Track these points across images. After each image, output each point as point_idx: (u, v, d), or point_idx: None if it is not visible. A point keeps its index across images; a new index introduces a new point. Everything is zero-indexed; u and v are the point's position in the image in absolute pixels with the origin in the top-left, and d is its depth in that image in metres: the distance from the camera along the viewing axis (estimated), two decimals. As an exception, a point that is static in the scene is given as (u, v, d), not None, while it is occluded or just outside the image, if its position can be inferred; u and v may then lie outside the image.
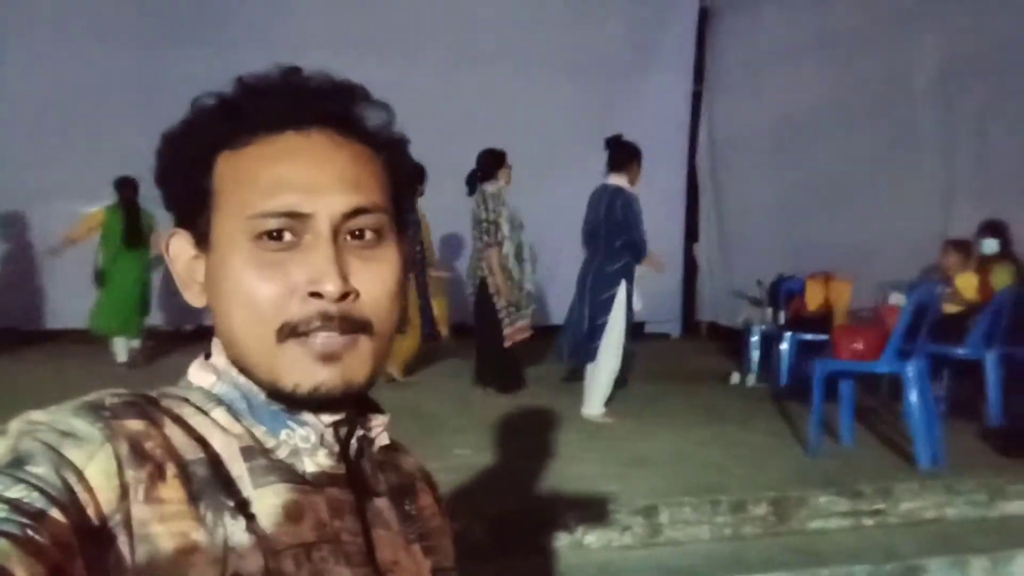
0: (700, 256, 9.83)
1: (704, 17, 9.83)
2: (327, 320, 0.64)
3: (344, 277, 0.64)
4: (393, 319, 0.69)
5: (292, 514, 0.64)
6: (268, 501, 0.64)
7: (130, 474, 0.58)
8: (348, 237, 0.67)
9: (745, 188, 9.32)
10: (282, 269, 0.64)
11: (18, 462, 0.55)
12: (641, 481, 3.69)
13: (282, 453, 0.68)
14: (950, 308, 5.16)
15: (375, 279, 0.67)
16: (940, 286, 4.74)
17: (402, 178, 0.74)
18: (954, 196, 6.95)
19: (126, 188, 6.40)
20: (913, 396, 4.01)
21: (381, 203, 0.69)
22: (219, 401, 0.68)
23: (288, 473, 0.67)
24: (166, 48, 7.62)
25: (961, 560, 3.31)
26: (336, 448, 0.71)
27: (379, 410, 0.76)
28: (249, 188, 0.66)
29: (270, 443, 0.68)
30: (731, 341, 8.33)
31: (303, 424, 0.69)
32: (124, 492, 0.57)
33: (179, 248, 0.72)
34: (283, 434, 0.68)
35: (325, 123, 0.68)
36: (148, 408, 0.64)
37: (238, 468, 0.65)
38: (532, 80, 8.42)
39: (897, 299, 5.81)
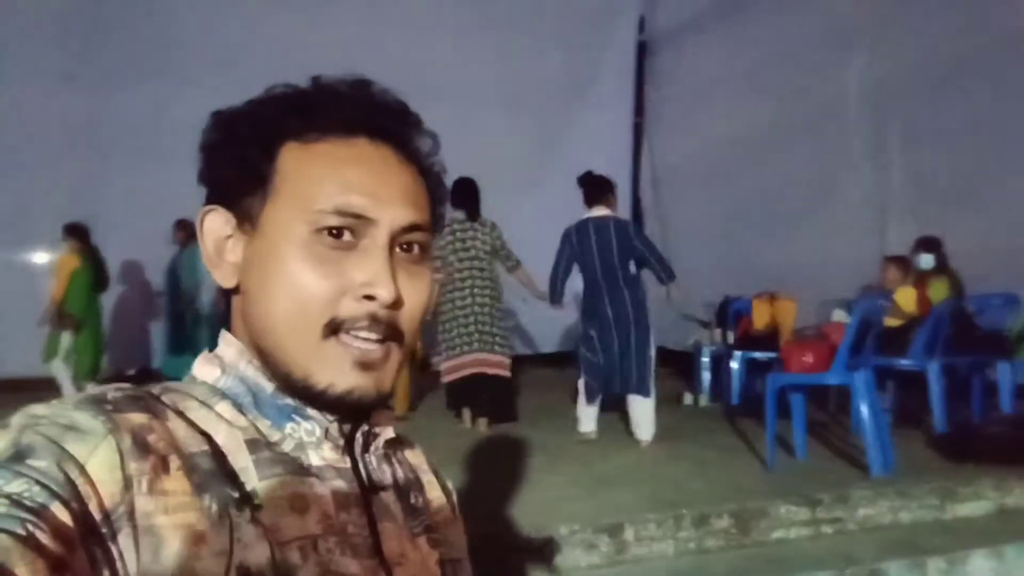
0: (646, 282, 9.96)
1: (642, 51, 10.09)
2: (375, 322, 0.66)
3: (396, 285, 0.67)
4: (417, 335, 0.71)
5: (298, 506, 0.64)
6: (274, 493, 0.64)
7: (133, 466, 0.57)
8: (399, 249, 0.69)
9: (687, 215, 9.53)
10: (338, 267, 0.66)
11: (19, 456, 0.54)
12: (606, 500, 3.71)
13: (287, 446, 0.68)
14: (891, 321, 5.32)
15: (416, 293, 0.69)
16: (882, 300, 4.88)
17: (438, 206, 0.77)
18: (888, 214, 7.21)
19: (85, 234, 6.58)
20: (863, 406, 4.12)
21: (429, 223, 0.72)
22: (223, 395, 0.68)
23: (293, 466, 0.67)
24: (104, 88, 7.55)
25: (919, 562, 3.39)
26: (341, 442, 0.71)
27: (385, 406, 0.77)
28: (317, 183, 0.67)
29: (275, 436, 0.68)
30: (680, 364, 8.44)
31: (308, 418, 0.69)
32: (127, 485, 0.57)
33: (214, 225, 0.72)
34: (288, 427, 0.69)
35: (389, 138, 0.71)
36: (151, 402, 0.64)
37: (243, 460, 0.65)
38: (474, 117, 8.49)
39: (840, 316, 5.98)
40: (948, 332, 5.11)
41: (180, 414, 0.65)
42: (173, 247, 7.21)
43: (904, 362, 5.04)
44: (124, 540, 0.55)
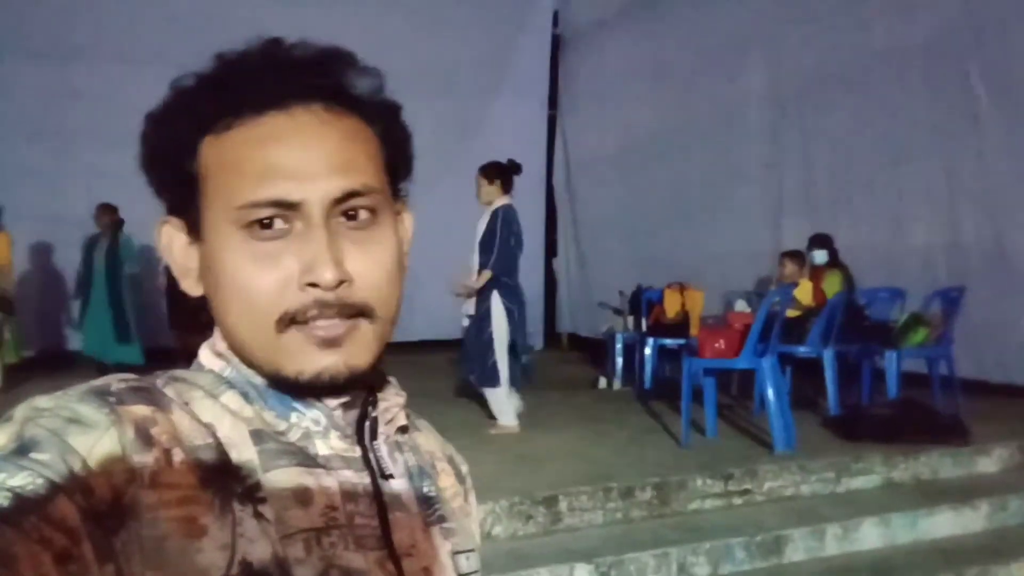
0: (559, 271, 10.31)
1: (556, 45, 10.37)
2: (325, 308, 0.62)
3: (339, 264, 0.62)
4: (394, 301, 0.67)
5: (302, 498, 0.63)
6: (278, 485, 0.63)
7: (136, 459, 0.57)
8: (343, 219, 0.64)
9: (598, 206, 9.89)
10: (276, 259, 0.63)
11: (23, 449, 0.54)
12: (537, 476, 3.97)
13: (293, 436, 0.66)
14: (790, 313, 5.76)
15: (371, 262, 0.65)
16: (785, 292, 5.29)
17: (397, 148, 0.71)
18: (784, 212, 7.70)
19: None
20: (769, 388, 4.51)
21: (374, 182, 0.66)
22: (230, 385, 0.67)
23: (300, 456, 0.65)
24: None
25: (818, 529, 3.78)
26: (349, 431, 0.69)
27: (396, 390, 0.75)
28: (235, 176, 0.63)
29: (281, 426, 0.66)
30: (591, 350, 8.82)
31: (311, 407, 0.67)
32: (130, 477, 0.56)
33: (172, 236, 0.70)
34: (293, 417, 0.67)
35: (310, 98, 0.64)
36: (155, 393, 0.63)
37: (248, 452, 0.63)
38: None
39: (741, 306, 6.43)
40: (840, 322, 5.57)
41: (186, 405, 0.64)
42: (84, 229, 7.08)
43: (802, 349, 5.47)
44: (127, 533, 0.55)
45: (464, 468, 0.85)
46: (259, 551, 0.59)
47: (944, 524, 3.98)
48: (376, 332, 0.65)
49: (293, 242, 0.63)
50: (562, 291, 10.39)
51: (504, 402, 5.04)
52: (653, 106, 9.01)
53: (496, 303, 4.95)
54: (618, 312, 7.20)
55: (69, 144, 7.82)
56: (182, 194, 0.66)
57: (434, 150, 8.57)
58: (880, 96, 6.70)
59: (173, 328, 6.65)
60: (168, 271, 4.64)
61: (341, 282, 0.62)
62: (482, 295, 4.96)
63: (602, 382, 6.94)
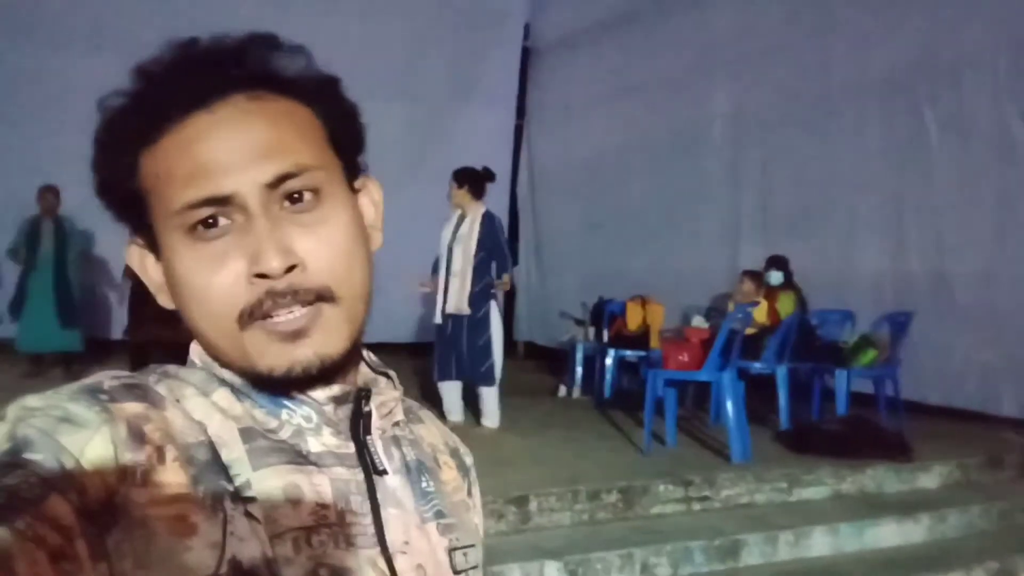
0: (519, 279, 10.45)
1: (526, 56, 10.54)
2: (278, 297, 0.61)
3: (284, 250, 0.61)
4: (356, 279, 0.66)
5: (293, 496, 0.63)
6: (268, 483, 0.62)
7: (128, 457, 0.57)
8: (286, 203, 0.63)
9: (560, 218, 10.05)
10: (223, 257, 0.62)
11: (15, 449, 0.54)
12: (506, 478, 4.09)
13: (285, 433, 0.66)
14: (747, 330, 6.00)
15: (321, 243, 0.63)
16: (745, 311, 5.51)
17: (339, 123, 0.69)
18: (741, 233, 7.96)
19: None
20: (728, 401, 4.71)
21: (312, 160, 0.64)
22: (221, 382, 0.67)
23: (290, 454, 0.65)
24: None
25: (772, 536, 3.99)
26: (342, 426, 0.69)
27: (393, 384, 0.74)
28: (169, 182, 0.62)
29: (271, 424, 0.66)
30: (548, 359, 8.99)
31: (302, 404, 0.67)
32: (122, 476, 0.56)
33: (142, 256, 0.69)
34: (283, 414, 0.66)
35: (231, 92, 0.63)
36: (148, 391, 0.63)
37: (237, 450, 0.63)
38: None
39: (699, 321, 6.65)
40: (793, 342, 5.82)
41: (177, 403, 0.64)
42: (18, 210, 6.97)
43: (757, 366, 5.70)
44: (119, 532, 0.55)
45: (468, 460, 0.84)
46: (249, 550, 0.59)
47: (888, 535, 4.22)
48: (343, 314, 0.64)
49: (237, 237, 0.62)
50: (521, 300, 10.54)
51: (496, 402, 5.24)
52: (618, 122, 9.20)
53: (494, 306, 5.12)
54: (580, 322, 7.37)
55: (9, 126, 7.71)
56: (134, 213, 0.66)
57: (401, 154, 8.72)
58: (837, 126, 6.99)
59: (135, 320, 6.54)
60: (130, 272, 4.66)
61: (291, 268, 0.61)
62: (480, 299, 5.11)
63: (562, 390, 7.12)
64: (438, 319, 5.24)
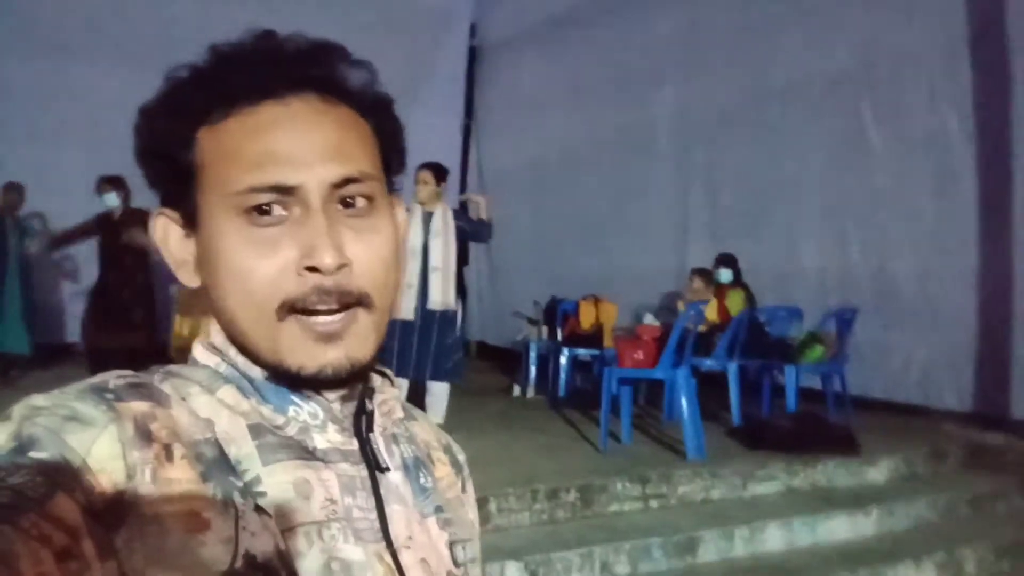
0: (469, 280, 10.42)
1: (473, 56, 10.52)
2: (324, 294, 0.63)
3: (338, 248, 0.63)
4: (390, 290, 0.68)
5: (303, 491, 0.64)
6: (278, 479, 0.63)
7: (136, 455, 0.57)
8: (339, 207, 0.65)
9: (510, 217, 9.99)
10: (275, 245, 0.63)
11: (22, 448, 0.54)
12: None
13: (291, 430, 0.66)
14: (698, 328, 6.06)
15: (370, 249, 0.65)
16: (697, 309, 5.57)
17: (390, 141, 0.72)
18: (689, 232, 8.07)
19: None
20: (683, 398, 4.76)
21: (370, 170, 0.66)
22: (226, 380, 0.67)
23: (298, 450, 0.66)
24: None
25: (728, 531, 4.03)
26: (346, 423, 0.70)
27: (391, 382, 0.76)
28: (233, 163, 0.63)
29: (278, 420, 0.66)
30: (500, 359, 8.98)
31: (309, 401, 0.68)
32: (130, 474, 0.56)
33: (167, 228, 0.70)
34: (291, 411, 0.67)
35: (305, 88, 0.65)
36: (153, 389, 0.63)
37: (247, 446, 0.64)
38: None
39: (650, 319, 6.70)
40: (744, 338, 5.91)
41: (184, 400, 0.64)
42: None
43: (708, 363, 5.77)
44: (128, 530, 0.55)
45: (461, 457, 0.86)
46: (262, 545, 0.59)
47: (840, 528, 4.30)
48: (375, 322, 0.66)
49: (291, 228, 0.63)
50: (472, 300, 10.50)
51: (447, 398, 5.23)
52: (566, 122, 9.25)
53: (459, 304, 5.11)
54: (533, 322, 7.38)
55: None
56: (178, 186, 0.67)
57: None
58: (780, 127, 7.12)
59: (94, 325, 6.31)
60: (103, 261, 4.49)
61: (341, 267, 0.63)
62: (456, 294, 5.12)
63: (516, 390, 7.11)
64: (409, 315, 5.09)
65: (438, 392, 5.22)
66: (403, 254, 0.74)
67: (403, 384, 5.28)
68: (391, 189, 0.72)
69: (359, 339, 0.65)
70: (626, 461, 4.59)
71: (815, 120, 6.87)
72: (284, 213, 0.63)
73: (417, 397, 5.35)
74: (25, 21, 7.50)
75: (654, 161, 8.36)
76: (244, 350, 0.67)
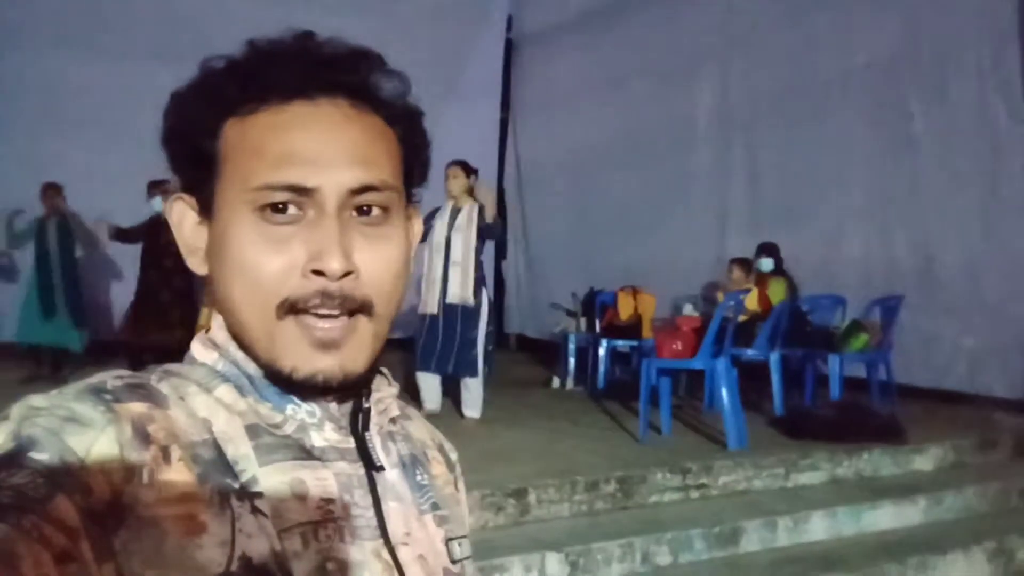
0: (507, 273, 10.44)
1: (509, 49, 10.51)
2: (327, 298, 0.63)
3: (347, 254, 0.63)
4: (395, 301, 0.68)
5: (299, 492, 0.64)
6: (275, 479, 0.63)
7: (134, 457, 0.57)
8: (354, 213, 0.65)
9: (548, 210, 10.04)
10: (285, 244, 0.63)
11: (21, 448, 0.54)
12: (503, 471, 4.07)
13: (289, 429, 0.67)
14: (738, 317, 6.00)
15: (379, 258, 0.65)
16: (737, 299, 5.52)
17: (415, 152, 0.72)
18: (728, 222, 7.99)
19: None
20: (723, 388, 4.71)
21: (390, 180, 0.67)
22: (224, 378, 0.67)
23: (295, 449, 0.66)
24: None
25: (771, 521, 3.98)
26: (343, 422, 0.70)
27: (388, 381, 0.76)
28: (255, 158, 0.64)
29: (276, 419, 0.66)
30: (539, 351, 8.98)
31: (306, 399, 0.68)
32: (128, 476, 0.56)
33: (183, 213, 0.70)
34: (288, 409, 0.67)
35: (337, 92, 0.66)
36: (151, 390, 0.63)
37: (244, 446, 0.64)
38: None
39: (689, 310, 6.67)
40: (785, 328, 5.83)
41: (181, 400, 0.64)
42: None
43: (750, 352, 5.71)
44: (126, 532, 0.55)
45: (454, 456, 0.86)
46: (258, 546, 0.59)
47: (886, 518, 4.23)
48: (374, 331, 0.66)
49: (304, 229, 0.63)
50: (511, 293, 10.53)
51: (481, 393, 5.20)
52: (604, 114, 9.20)
53: (486, 299, 5.11)
54: (571, 314, 7.37)
55: (30, 133, 7.67)
56: (198, 173, 0.67)
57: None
58: (823, 115, 7.01)
59: (134, 323, 6.50)
60: (144, 261, 4.58)
61: (347, 273, 0.63)
62: (477, 289, 5.11)
63: (555, 382, 7.10)
64: (433, 309, 5.14)
65: (472, 387, 5.22)
66: (413, 265, 0.73)
67: (434, 380, 5.30)
68: (410, 200, 0.72)
69: (356, 349, 0.65)
70: (666, 452, 4.56)
71: (858, 107, 6.77)
72: (299, 213, 0.63)
73: (450, 392, 5.39)
74: (76, 19, 7.63)
75: (693, 151, 8.29)
76: (243, 346, 0.67)
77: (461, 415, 5.24)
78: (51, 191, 6.71)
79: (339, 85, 0.66)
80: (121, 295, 7.43)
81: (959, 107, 6.06)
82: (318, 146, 0.64)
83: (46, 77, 7.58)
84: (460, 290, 5.11)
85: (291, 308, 0.63)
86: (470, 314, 5.12)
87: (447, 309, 5.13)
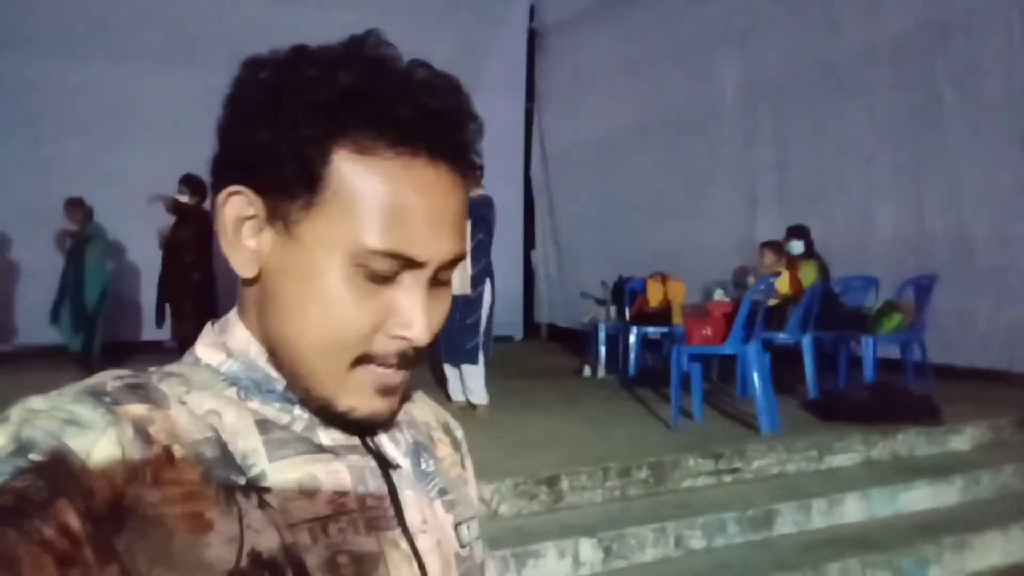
0: (537, 263, 10.47)
1: (533, 39, 10.51)
2: (406, 360, 0.65)
3: (432, 328, 0.64)
4: None
5: (308, 487, 0.63)
6: (284, 475, 0.63)
7: (136, 458, 0.57)
8: (435, 278, 0.65)
9: (575, 199, 10.05)
10: (377, 300, 0.62)
11: (21, 451, 0.53)
12: (535, 459, 4.11)
13: (298, 427, 0.66)
14: (769, 301, 5.97)
15: (440, 316, 0.67)
16: (768, 283, 5.49)
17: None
18: (758, 205, 7.94)
19: None
20: (754, 373, 4.70)
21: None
22: (229, 382, 0.67)
23: (306, 444, 0.66)
24: None
25: (805, 504, 3.98)
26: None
27: None
28: (370, 213, 0.61)
29: (284, 420, 0.66)
30: (570, 340, 9.00)
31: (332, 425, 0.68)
32: (131, 477, 0.56)
33: (240, 207, 0.64)
34: (296, 410, 0.67)
35: (455, 159, 0.64)
36: (151, 391, 0.62)
37: (254, 440, 0.63)
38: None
39: (719, 295, 6.62)
40: (818, 310, 5.79)
41: (182, 399, 0.63)
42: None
43: (782, 336, 5.68)
44: (130, 533, 0.55)
45: (459, 434, 0.86)
46: (267, 541, 0.59)
47: (921, 498, 4.20)
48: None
49: (397, 291, 0.63)
50: (540, 283, 10.56)
51: (483, 379, 5.21)
52: (629, 100, 9.19)
53: (488, 289, 5.14)
54: (601, 302, 7.38)
55: (38, 135, 7.83)
56: (290, 186, 0.62)
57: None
58: (850, 92, 6.94)
59: (158, 315, 6.74)
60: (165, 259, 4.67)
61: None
62: (479, 279, 5.11)
63: (587, 370, 7.13)
64: None
65: (472, 374, 5.22)
66: None
67: (453, 372, 5.34)
68: None
69: (401, 392, 0.68)
70: (698, 437, 4.56)
71: (885, 82, 6.69)
72: (397, 273, 0.63)
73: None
74: (82, 24, 7.77)
75: (719, 134, 8.25)
76: (283, 369, 0.66)
77: (471, 405, 5.26)
78: (71, 205, 6.88)
79: (453, 147, 0.63)
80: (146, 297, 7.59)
81: (988, 77, 5.96)
82: (434, 219, 0.62)
83: (48, 79, 7.72)
84: (459, 282, 5.13)
85: (366, 360, 0.64)
86: (470, 303, 5.14)
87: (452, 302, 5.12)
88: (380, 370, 0.64)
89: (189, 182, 6.45)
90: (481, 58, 9.78)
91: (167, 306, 6.78)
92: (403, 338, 0.63)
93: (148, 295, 7.43)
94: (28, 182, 7.53)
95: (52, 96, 7.76)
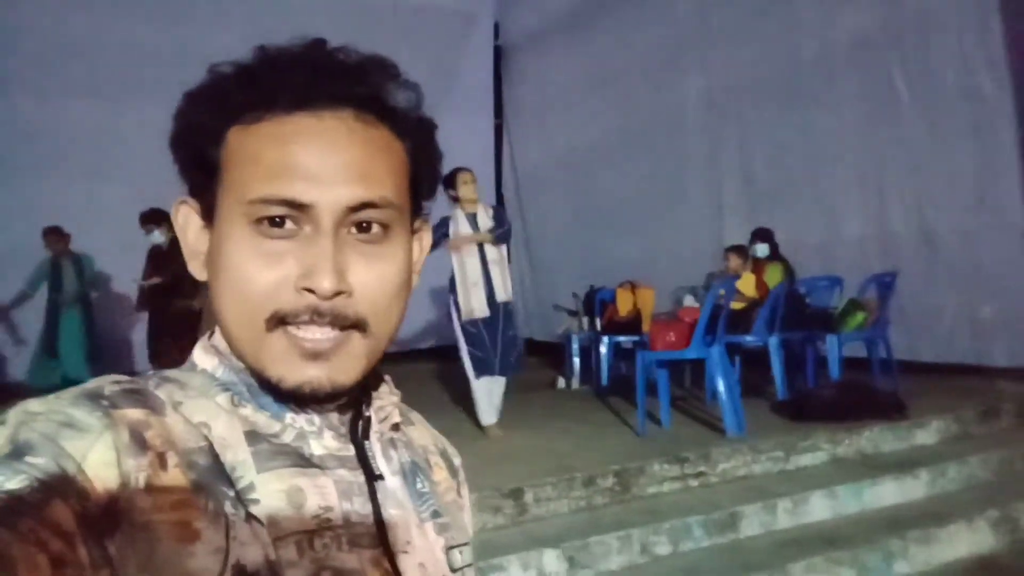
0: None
1: (498, 56, 10.58)
2: (317, 315, 0.62)
3: (340, 274, 0.62)
4: (392, 318, 0.67)
5: (296, 500, 0.63)
6: (272, 486, 0.63)
7: (130, 463, 0.57)
8: (353, 230, 0.64)
9: (548, 212, 10.10)
10: (279, 258, 0.62)
11: (17, 453, 0.54)
12: (503, 472, 4.12)
13: (287, 437, 0.66)
14: (736, 304, 6.00)
15: (375, 277, 0.64)
16: (729, 284, 5.52)
17: (424, 167, 0.70)
18: (724, 211, 8.00)
19: None
20: (718, 376, 4.73)
21: (392, 197, 0.65)
22: (223, 387, 0.67)
23: (294, 457, 0.66)
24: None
25: (770, 504, 4.00)
26: (343, 430, 0.70)
27: (390, 388, 0.76)
28: (253, 169, 0.63)
29: (274, 428, 0.66)
30: (545, 353, 9.00)
31: (305, 408, 0.68)
32: (125, 482, 0.56)
33: (188, 218, 0.69)
34: (288, 417, 0.67)
35: (343, 104, 0.64)
36: (148, 396, 0.63)
37: (242, 452, 0.63)
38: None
39: (690, 301, 6.66)
40: (783, 312, 5.83)
41: (179, 406, 0.64)
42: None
43: (749, 339, 5.71)
44: (121, 537, 0.55)
45: (457, 461, 0.85)
46: (252, 555, 0.59)
47: (887, 493, 4.23)
48: (368, 347, 0.65)
49: (299, 244, 0.62)
50: (516, 297, 10.54)
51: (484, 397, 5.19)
52: (595, 113, 9.26)
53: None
54: (572, 313, 7.40)
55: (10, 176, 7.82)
56: (202, 178, 0.66)
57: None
58: (810, 97, 7.02)
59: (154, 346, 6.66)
60: (152, 294, 4.66)
61: (338, 293, 0.62)
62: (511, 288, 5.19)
63: (561, 382, 7.15)
64: (484, 311, 5.04)
65: (498, 385, 5.16)
66: (416, 280, 0.72)
67: (488, 384, 5.19)
68: (419, 214, 0.71)
69: (345, 361, 0.64)
70: (665, 443, 4.58)
71: (845, 86, 6.77)
72: (295, 228, 0.63)
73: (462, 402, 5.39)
74: (60, 61, 7.78)
75: (685, 143, 8.32)
76: (235, 354, 0.67)
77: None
78: (51, 235, 6.85)
79: (346, 97, 0.64)
80: (135, 329, 7.57)
81: (944, 77, 6.04)
82: (317, 161, 0.62)
83: (39, 119, 7.73)
84: (503, 286, 5.13)
85: (281, 321, 0.63)
86: (511, 312, 5.16)
87: (495, 308, 5.07)
88: (299, 333, 0.63)
89: (154, 219, 6.35)
90: (448, 77, 9.81)
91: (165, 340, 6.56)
92: (308, 290, 0.62)
93: (136, 330, 7.42)
94: (13, 221, 7.50)
95: (28, 133, 7.75)
